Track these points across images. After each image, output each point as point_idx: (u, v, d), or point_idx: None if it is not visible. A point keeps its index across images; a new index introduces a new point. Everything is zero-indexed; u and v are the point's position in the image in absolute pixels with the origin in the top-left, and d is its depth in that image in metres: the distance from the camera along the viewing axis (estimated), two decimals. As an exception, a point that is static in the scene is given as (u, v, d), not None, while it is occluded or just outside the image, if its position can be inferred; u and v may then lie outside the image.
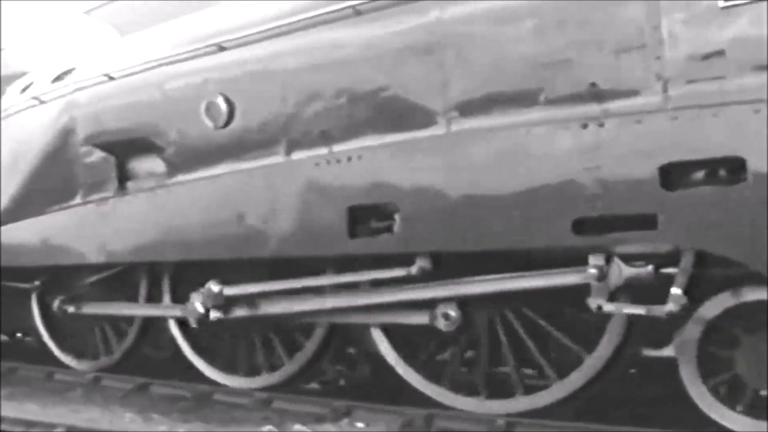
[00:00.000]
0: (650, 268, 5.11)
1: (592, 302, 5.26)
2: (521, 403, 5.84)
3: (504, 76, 5.51)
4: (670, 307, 4.98)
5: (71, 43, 10.26)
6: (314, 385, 7.27)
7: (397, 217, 5.86)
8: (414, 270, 5.92)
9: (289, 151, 6.61)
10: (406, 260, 5.99)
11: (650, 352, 5.56)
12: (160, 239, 7.39)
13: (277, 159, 6.65)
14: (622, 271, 5.18)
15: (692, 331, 5.12)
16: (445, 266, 5.88)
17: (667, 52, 4.94)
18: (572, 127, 5.10)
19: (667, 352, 5.38)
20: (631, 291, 5.23)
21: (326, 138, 6.37)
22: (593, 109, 5.14)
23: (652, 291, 5.19)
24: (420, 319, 6.03)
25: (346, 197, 6.04)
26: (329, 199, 6.12)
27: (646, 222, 4.86)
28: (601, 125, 5.00)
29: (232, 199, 6.76)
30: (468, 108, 5.67)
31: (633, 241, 4.95)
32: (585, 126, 5.06)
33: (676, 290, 4.98)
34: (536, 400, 5.78)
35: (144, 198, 7.61)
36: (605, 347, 5.47)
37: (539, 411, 5.75)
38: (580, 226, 5.09)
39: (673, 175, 4.85)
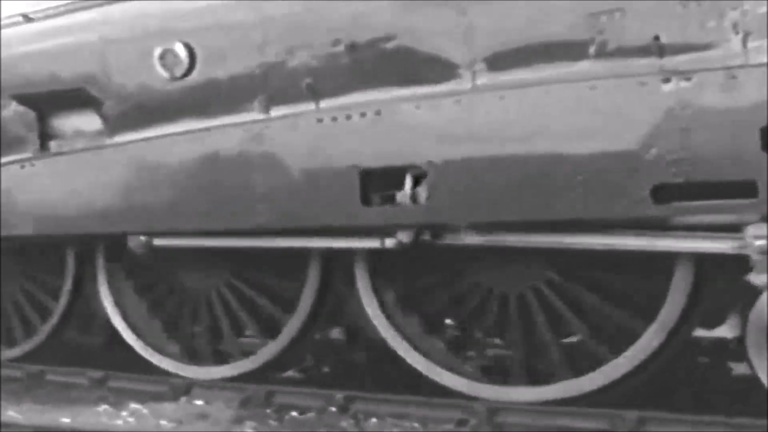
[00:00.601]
0: None
1: (757, 279, 4.56)
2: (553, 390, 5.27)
3: (544, 25, 4.84)
4: None
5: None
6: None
7: (411, 182, 5.12)
8: (390, 243, 5.26)
9: (267, 107, 5.73)
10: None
11: (703, 333, 5.10)
12: (100, 208, 6.32)
13: (252, 116, 5.74)
14: None
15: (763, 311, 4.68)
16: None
17: (746, 3, 4.46)
18: (651, 82, 4.52)
19: (723, 332, 4.96)
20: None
21: (315, 92, 5.53)
22: (656, 63, 4.55)
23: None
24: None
25: (358, 158, 5.23)
26: (337, 160, 5.29)
27: (741, 189, 4.36)
28: (688, 79, 4.45)
29: (205, 160, 5.81)
30: (498, 59, 4.98)
31: (726, 210, 4.41)
32: (667, 80, 4.49)
33: None
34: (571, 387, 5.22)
35: (77, 160, 6.50)
36: (660, 327, 4.97)
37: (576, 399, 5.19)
38: (659, 194, 4.53)
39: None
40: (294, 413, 5.64)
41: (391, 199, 5.22)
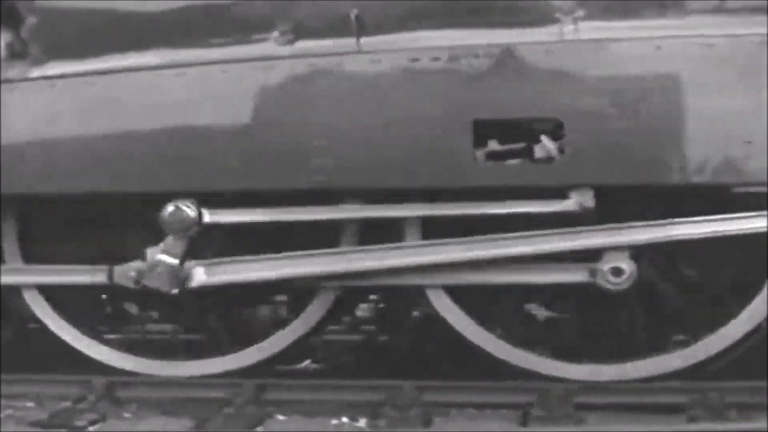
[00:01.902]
0: None
1: None
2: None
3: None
4: None
5: None
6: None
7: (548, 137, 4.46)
8: (572, 206, 4.46)
9: (292, 39, 4.71)
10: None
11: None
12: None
13: (269, 48, 4.71)
14: None
15: None
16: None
17: None
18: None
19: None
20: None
21: (361, 26, 4.63)
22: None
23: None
24: (574, 275, 4.56)
25: (469, 108, 4.40)
26: (442, 108, 4.41)
27: None
28: None
29: (227, 101, 4.61)
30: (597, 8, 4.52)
31: None
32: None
33: None
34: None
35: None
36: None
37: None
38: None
39: None
40: None
41: (500, 156, 4.49)
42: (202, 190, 4.69)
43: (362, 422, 4.35)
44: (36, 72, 4.92)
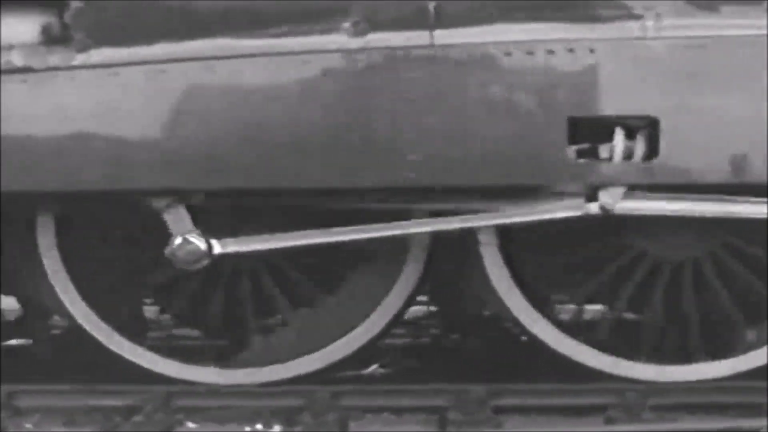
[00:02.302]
0: None
1: None
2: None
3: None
4: None
5: None
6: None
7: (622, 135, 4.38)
8: (594, 209, 4.40)
9: (362, 31, 4.49)
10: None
11: None
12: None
13: (337, 39, 4.47)
14: None
15: None
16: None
17: None
18: None
19: None
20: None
21: (439, 18, 4.45)
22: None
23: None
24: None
25: (566, 103, 4.31)
26: (537, 105, 4.30)
27: None
28: None
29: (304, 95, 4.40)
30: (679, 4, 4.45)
31: None
32: None
33: None
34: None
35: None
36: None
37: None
38: None
39: None
40: None
41: (589, 154, 4.41)
42: (287, 187, 4.48)
43: (277, 428, 4.29)
44: (82, 59, 4.56)
